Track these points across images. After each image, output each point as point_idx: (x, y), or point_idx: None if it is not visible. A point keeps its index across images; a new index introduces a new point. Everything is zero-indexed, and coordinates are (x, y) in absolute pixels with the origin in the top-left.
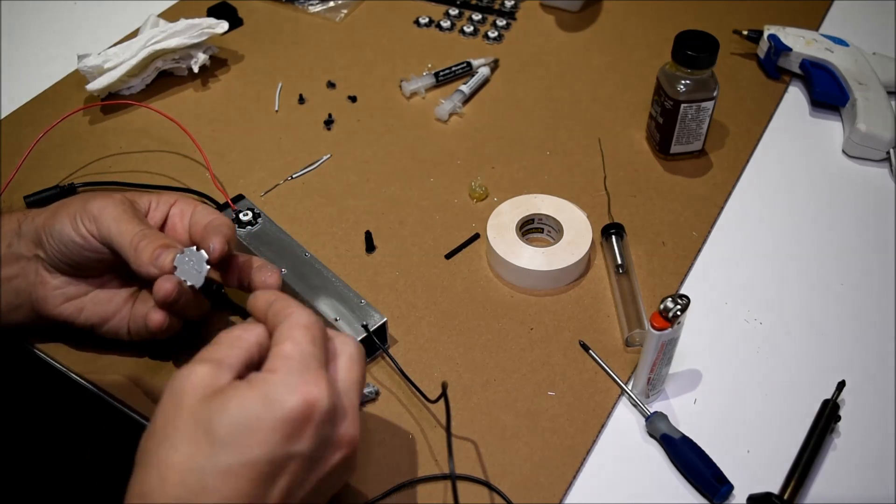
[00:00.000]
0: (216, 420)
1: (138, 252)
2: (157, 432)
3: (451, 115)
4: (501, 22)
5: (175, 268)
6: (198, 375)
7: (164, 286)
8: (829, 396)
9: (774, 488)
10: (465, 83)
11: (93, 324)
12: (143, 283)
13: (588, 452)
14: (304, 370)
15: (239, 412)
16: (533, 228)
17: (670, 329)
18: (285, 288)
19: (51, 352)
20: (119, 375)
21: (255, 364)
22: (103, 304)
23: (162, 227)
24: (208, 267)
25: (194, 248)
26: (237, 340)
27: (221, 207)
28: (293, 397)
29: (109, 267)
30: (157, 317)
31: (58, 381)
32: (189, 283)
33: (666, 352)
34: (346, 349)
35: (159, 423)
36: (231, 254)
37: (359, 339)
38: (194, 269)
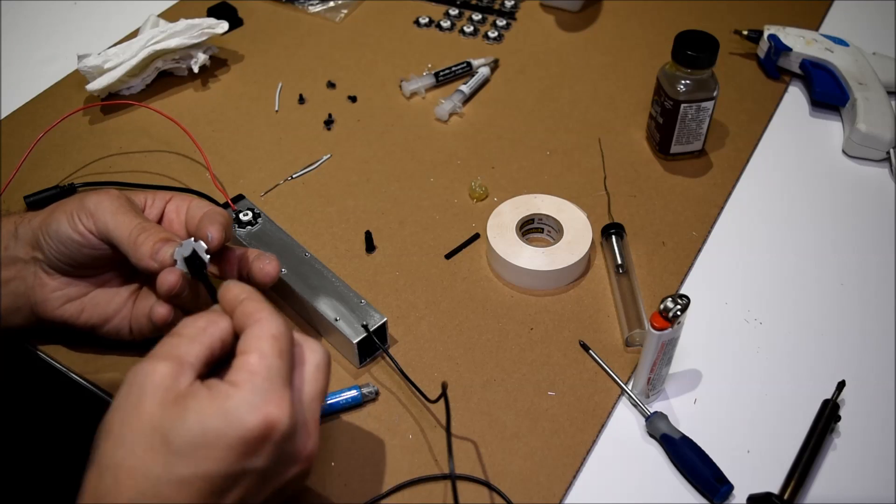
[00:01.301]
0: (175, 430)
1: (137, 246)
2: (113, 432)
3: (451, 115)
4: (501, 22)
5: (175, 261)
6: (159, 375)
7: (168, 279)
8: (829, 396)
9: (774, 488)
10: (465, 83)
11: (94, 324)
12: (143, 280)
13: (588, 452)
14: (267, 389)
15: (198, 425)
16: (533, 228)
17: (670, 329)
18: (285, 288)
19: (50, 352)
20: (118, 374)
21: (216, 359)
22: (104, 304)
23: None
24: (208, 256)
25: (192, 239)
26: (200, 334)
27: (221, 207)
28: (253, 417)
29: (109, 264)
30: (161, 310)
31: (58, 381)
32: (191, 275)
33: (666, 352)
34: (313, 357)
35: (116, 423)
36: (228, 246)
37: (358, 339)
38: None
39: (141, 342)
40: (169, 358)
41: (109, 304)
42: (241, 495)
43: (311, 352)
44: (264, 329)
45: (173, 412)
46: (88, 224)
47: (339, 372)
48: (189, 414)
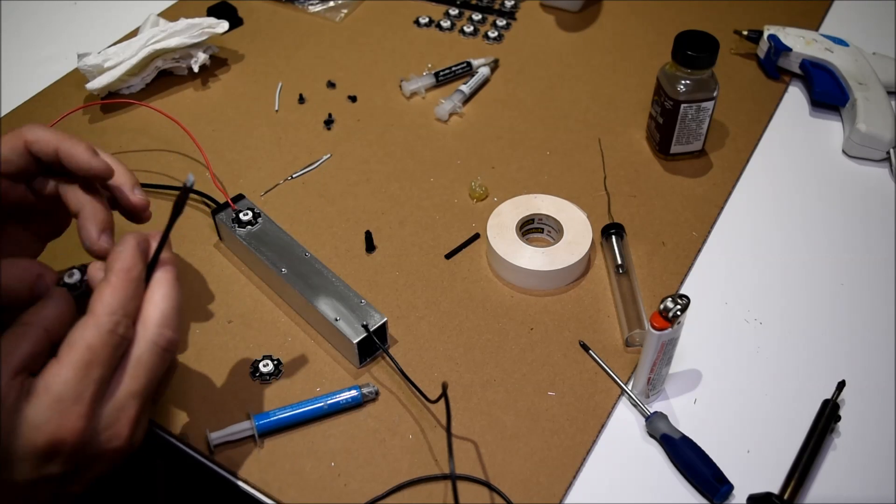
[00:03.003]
0: None
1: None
2: None
3: (451, 115)
4: (501, 22)
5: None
6: None
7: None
8: (829, 396)
9: (774, 488)
10: (465, 83)
11: None
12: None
13: (588, 452)
14: (56, 408)
15: None
16: (533, 228)
17: (670, 329)
18: (285, 288)
19: None
20: None
21: (47, 347)
22: None
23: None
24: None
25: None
26: (22, 334)
27: (221, 207)
28: (39, 436)
29: None
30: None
31: None
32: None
33: (666, 352)
34: (136, 350)
35: None
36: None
37: (359, 339)
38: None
39: None
40: None
41: None
42: (47, 497)
43: (138, 343)
44: (84, 336)
45: None
46: None
47: (339, 372)
48: None
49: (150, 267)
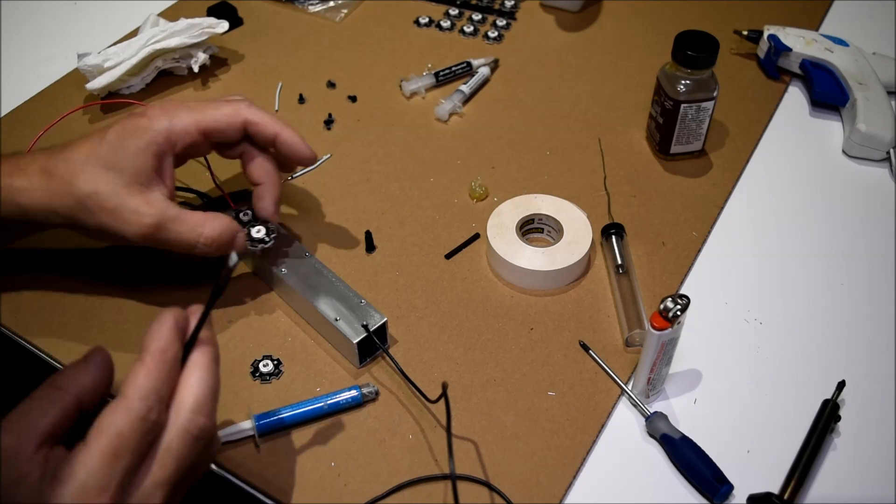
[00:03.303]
0: None
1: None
2: None
3: (451, 115)
4: (501, 22)
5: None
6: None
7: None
8: (829, 396)
9: (774, 488)
10: (465, 83)
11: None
12: None
13: (588, 452)
14: (83, 493)
15: None
16: (533, 228)
17: (670, 329)
18: (286, 288)
19: (44, 346)
20: None
21: (76, 416)
22: None
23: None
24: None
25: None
26: (52, 399)
27: (222, 207)
28: None
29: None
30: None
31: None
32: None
33: (666, 352)
34: (167, 438)
35: None
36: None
37: (359, 339)
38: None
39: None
40: (11, 432)
41: None
42: None
43: (169, 429)
44: (114, 422)
45: (6, 494)
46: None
47: (339, 372)
48: (15, 500)
49: (189, 345)
